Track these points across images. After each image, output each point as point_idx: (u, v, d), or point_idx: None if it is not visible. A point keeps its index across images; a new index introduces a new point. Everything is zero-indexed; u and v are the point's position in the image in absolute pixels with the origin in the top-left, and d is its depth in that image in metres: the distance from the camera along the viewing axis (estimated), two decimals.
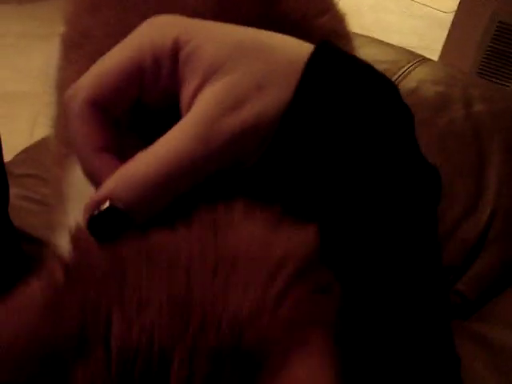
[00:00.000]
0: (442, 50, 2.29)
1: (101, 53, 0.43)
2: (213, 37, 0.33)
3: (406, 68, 0.92)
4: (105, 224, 0.30)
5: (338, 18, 0.54)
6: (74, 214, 0.37)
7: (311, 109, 0.33)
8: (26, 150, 1.12)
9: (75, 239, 0.32)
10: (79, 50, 0.73)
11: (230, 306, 0.28)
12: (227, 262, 0.29)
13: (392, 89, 0.37)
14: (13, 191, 0.77)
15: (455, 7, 2.30)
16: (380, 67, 1.02)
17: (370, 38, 1.05)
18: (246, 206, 0.32)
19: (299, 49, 0.35)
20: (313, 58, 0.33)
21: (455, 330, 0.69)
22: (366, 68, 0.37)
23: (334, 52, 0.35)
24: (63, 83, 0.77)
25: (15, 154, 1.06)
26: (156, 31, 0.33)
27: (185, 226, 0.31)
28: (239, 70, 0.32)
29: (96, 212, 0.29)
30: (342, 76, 0.34)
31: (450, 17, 2.45)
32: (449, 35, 2.29)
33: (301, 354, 0.29)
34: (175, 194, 0.30)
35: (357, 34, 1.08)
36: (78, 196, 0.46)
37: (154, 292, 0.28)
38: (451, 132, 0.83)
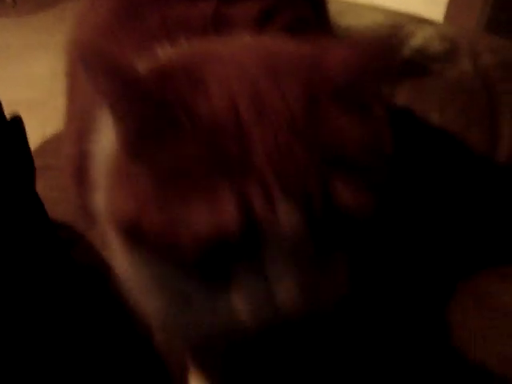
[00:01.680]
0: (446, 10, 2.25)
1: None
2: None
3: (410, 28, 0.93)
4: None
5: None
6: None
7: None
8: (41, 145, 1.14)
9: None
10: None
11: None
12: None
13: None
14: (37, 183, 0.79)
15: None
16: (383, 31, 1.03)
17: (373, 6, 1.06)
18: None
19: None
20: None
21: (496, 276, 0.71)
22: None
23: None
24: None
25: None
26: None
27: None
28: None
29: None
30: None
31: None
32: (447, 8, 2.28)
33: None
34: None
35: (361, 4, 1.09)
36: None
37: None
38: (461, 84, 0.84)
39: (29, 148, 0.70)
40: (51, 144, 1.06)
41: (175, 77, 0.38)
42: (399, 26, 0.95)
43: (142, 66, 0.41)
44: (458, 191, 0.78)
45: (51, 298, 0.66)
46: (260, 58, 0.40)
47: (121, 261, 0.45)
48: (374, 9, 1.04)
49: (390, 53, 0.40)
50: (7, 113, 0.69)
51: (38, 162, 1.03)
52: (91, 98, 0.47)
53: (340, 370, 0.73)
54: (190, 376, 0.78)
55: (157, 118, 0.36)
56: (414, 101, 0.83)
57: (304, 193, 0.35)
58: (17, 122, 0.71)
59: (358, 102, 0.39)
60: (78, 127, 0.55)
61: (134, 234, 0.37)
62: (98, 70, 0.35)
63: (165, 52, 0.45)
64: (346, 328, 0.72)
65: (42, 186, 0.89)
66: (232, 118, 0.36)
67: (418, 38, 0.91)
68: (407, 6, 1.16)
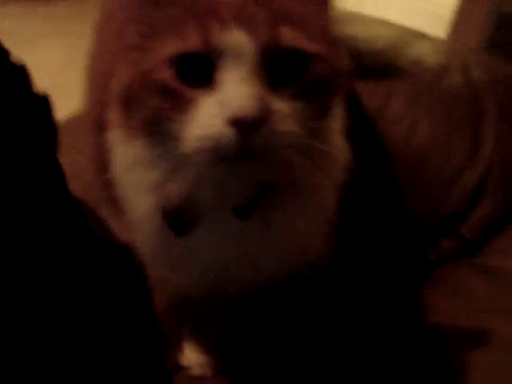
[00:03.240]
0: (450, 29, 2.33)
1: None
2: None
3: (408, 41, 1.00)
4: None
5: None
6: None
7: None
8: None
9: None
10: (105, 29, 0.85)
11: None
12: None
13: None
14: None
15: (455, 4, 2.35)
16: (384, 42, 1.10)
17: (375, 18, 1.13)
18: None
19: None
20: None
21: (465, 265, 0.82)
22: None
23: None
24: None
25: None
26: None
27: None
28: None
29: None
30: None
31: (450, 13, 2.50)
32: (451, 29, 2.35)
33: None
34: None
35: (363, 14, 1.16)
36: None
37: None
38: (450, 95, 0.91)
39: (54, 120, 0.76)
40: (65, 126, 1.12)
41: None
42: (398, 38, 1.02)
43: None
44: None
45: (70, 267, 0.72)
46: None
47: (117, 146, 0.62)
48: (378, 21, 1.11)
49: None
50: None
51: None
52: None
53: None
54: (186, 345, 0.84)
55: None
56: (407, 107, 0.90)
57: (254, 24, 0.49)
58: (44, 98, 0.77)
59: None
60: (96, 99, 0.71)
61: (128, 93, 0.53)
62: None
63: None
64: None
65: None
66: None
67: (415, 51, 0.98)
68: (413, 22, 1.24)
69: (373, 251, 0.87)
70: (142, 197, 0.62)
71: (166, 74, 0.51)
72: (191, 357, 0.83)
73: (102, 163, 0.73)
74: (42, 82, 0.69)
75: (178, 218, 0.60)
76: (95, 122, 0.75)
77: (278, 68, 0.50)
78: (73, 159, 1.06)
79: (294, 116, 0.51)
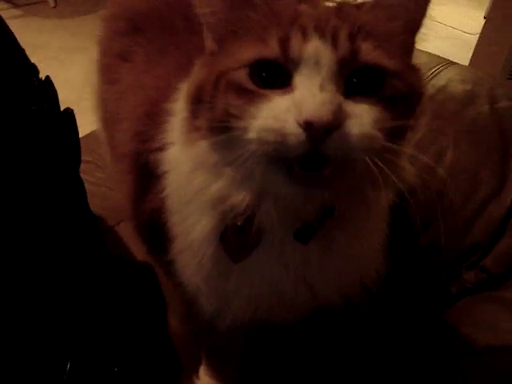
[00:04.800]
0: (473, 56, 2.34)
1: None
2: None
3: (435, 69, 0.99)
4: None
5: None
6: None
7: None
8: None
9: None
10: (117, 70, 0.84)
11: None
12: None
13: None
14: None
15: (480, 29, 2.36)
16: None
17: None
18: None
19: None
20: None
21: (487, 299, 0.79)
22: None
23: None
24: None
25: None
26: None
27: None
28: None
29: None
30: None
31: (475, 38, 2.50)
32: (474, 54, 2.35)
33: None
34: None
35: None
36: None
37: None
38: (477, 124, 0.90)
39: (78, 136, 0.76)
40: (85, 141, 1.13)
41: None
42: (424, 64, 1.01)
43: None
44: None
45: (84, 281, 0.72)
46: None
47: (179, 154, 0.62)
48: None
49: None
50: None
51: None
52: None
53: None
54: (202, 369, 0.83)
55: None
56: (433, 135, 0.89)
57: (334, 37, 0.50)
58: (69, 113, 0.77)
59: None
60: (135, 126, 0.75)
61: (198, 94, 0.56)
62: None
63: None
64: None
65: None
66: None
67: (442, 79, 0.97)
68: (438, 47, 1.23)
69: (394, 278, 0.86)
70: (202, 213, 0.61)
71: (241, 76, 0.52)
72: (207, 381, 0.82)
73: (143, 189, 0.73)
74: (62, 94, 0.69)
75: (237, 242, 0.59)
76: (135, 151, 0.76)
77: (356, 79, 0.51)
78: (91, 176, 1.06)
79: (371, 119, 0.50)
